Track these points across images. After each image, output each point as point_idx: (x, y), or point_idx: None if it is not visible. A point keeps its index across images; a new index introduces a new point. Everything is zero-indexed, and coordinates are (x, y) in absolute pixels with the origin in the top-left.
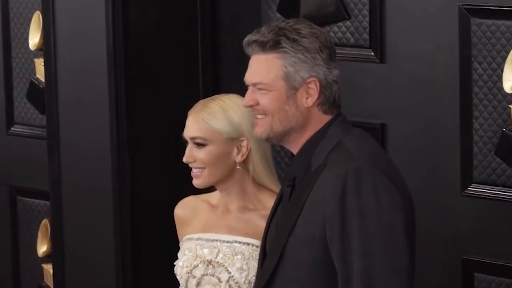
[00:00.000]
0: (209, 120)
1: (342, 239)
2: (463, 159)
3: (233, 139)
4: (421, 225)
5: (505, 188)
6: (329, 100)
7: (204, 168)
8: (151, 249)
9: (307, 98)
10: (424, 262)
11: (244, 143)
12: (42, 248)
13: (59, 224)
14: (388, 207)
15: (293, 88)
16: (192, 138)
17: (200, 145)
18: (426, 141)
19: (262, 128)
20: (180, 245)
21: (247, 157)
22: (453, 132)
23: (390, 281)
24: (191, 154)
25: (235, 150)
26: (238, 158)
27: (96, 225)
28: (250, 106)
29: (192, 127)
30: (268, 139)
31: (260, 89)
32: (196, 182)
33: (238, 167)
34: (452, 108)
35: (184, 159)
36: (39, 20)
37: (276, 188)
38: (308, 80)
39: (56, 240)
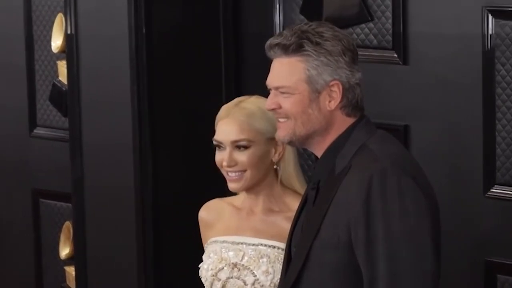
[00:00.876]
0: (252, 121)
1: (367, 242)
2: (486, 160)
3: (272, 139)
4: (444, 227)
5: None
6: (352, 103)
7: (245, 170)
8: (173, 251)
9: (330, 101)
10: (447, 264)
11: (280, 142)
12: (65, 251)
13: (82, 226)
14: (413, 209)
15: (316, 91)
16: (235, 142)
17: (243, 147)
18: (449, 142)
19: (284, 131)
20: (204, 247)
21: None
22: (476, 134)
23: (415, 285)
24: (232, 158)
25: (273, 150)
26: (276, 157)
27: (118, 227)
28: (273, 109)
29: (233, 130)
30: (291, 143)
31: (282, 92)
32: (235, 186)
33: (275, 167)
34: (475, 109)
35: (225, 163)
36: (62, 22)
37: (303, 189)
38: (331, 83)
39: (78, 243)
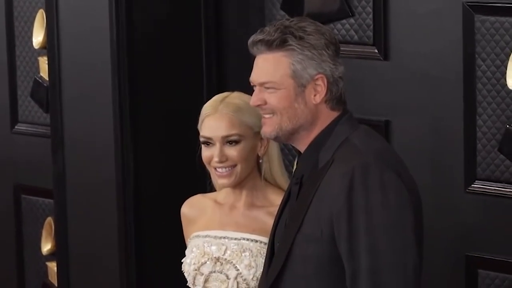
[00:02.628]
0: (241, 116)
1: (349, 236)
2: (466, 156)
3: (258, 133)
4: (424, 222)
5: (508, 185)
6: (336, 96)
7: (235, 165)
8: (156, 246)
9: (315, 95)
10: (428, 259)
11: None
12: (47, 246)
13: (63, 222)
14: (395, 203)
15: (301, 85)
16: (226, 137)
17: (233, 142)
18: (430, 138)
19: (270, 127)
20: (187, 242)
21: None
22: (457, 129)
23: (397, 278)
24: (223, 154)
25: (259, 144)
26: (261, 151)
27: (100, 223)
28: (258, 105)
29: (223, 126)
30: (276, 138)
31: (268, 88)
32: (226, 182)
33: (261, 161)
34: (455, 105)
35: (216, 159)
36: (43, 18)
37: (286, 183)
38: (316, 76)
39: (60, 238)
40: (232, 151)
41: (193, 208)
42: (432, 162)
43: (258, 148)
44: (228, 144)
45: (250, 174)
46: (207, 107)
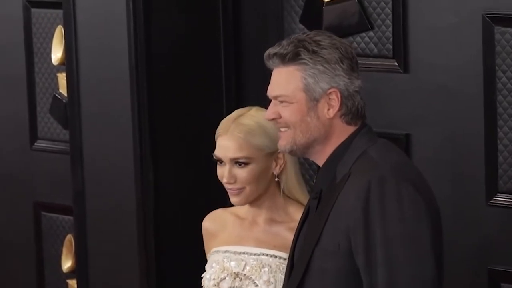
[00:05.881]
0: (250, 138)
1: (366, 249)
2: (488, 169)
3: (272, 153)
4: (446, 235)
5: None
6: (352, 111)
7: (244, 187)
8: (175, 262)
9: (328, 109)
10: (449, 272)
11: (281, 155)
12: (67, 264)
13: (83, 239)
14: (411, 214)
15: (313, 99)
16: (234, 159)
17: (242, 164)
18: (451, 151)
19: (285, 141)
20: (207, 257)
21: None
22: (478, 142)
23: None
24: (232, 175)
25: (273, 163)
26: (276, 170)
27: (120, 240)
28: (273, 119)
29: (232, 147)
30: (292, 152)
31: (281, 101)
32: (236, 200)
33: (276, 180)
34: (476, 117)
35: (225, 180)
36: (61, 35)
37: (305, 199)
38: (329, 91)
39: (80, 255)
40: (241, 173)
41: (214, 222)
42: (453, 175)
43: (273, 167)
44: (237, 165)
45: (267, 192)
46: (220, 126)
